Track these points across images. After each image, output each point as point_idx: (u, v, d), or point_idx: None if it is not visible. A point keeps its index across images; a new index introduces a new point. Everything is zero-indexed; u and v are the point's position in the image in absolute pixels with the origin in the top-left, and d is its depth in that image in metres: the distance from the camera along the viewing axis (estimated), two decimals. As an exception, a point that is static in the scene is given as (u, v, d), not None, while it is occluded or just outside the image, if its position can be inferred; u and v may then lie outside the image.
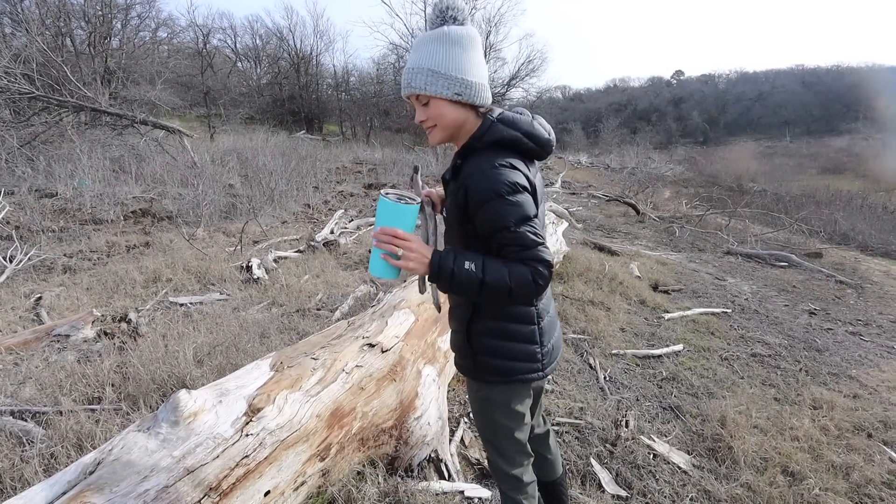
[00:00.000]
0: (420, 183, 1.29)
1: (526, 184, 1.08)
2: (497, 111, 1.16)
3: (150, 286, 4.18)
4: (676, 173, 24.69)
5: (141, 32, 20.90)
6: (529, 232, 1.04)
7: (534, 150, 1.16)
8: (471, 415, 1.44)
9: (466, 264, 1.03)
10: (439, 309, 1.35)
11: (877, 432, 2.53)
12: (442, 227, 1.27)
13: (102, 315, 3.44)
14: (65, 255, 4.98)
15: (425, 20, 21.87)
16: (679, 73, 76.62)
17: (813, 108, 57.15)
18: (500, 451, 1.32)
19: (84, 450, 1.94)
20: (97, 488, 1.17)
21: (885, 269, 7.52)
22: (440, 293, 1.26)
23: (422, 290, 1.31)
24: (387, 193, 1.10)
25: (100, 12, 16.79)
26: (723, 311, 4.41)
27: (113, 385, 2.48)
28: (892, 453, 2.34)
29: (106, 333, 3.19)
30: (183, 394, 1.41)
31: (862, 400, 2.90)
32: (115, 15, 17.89)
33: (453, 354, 1.36)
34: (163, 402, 1.62)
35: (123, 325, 3.31)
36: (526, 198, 1.07)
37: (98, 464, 1.24)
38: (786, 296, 5.27)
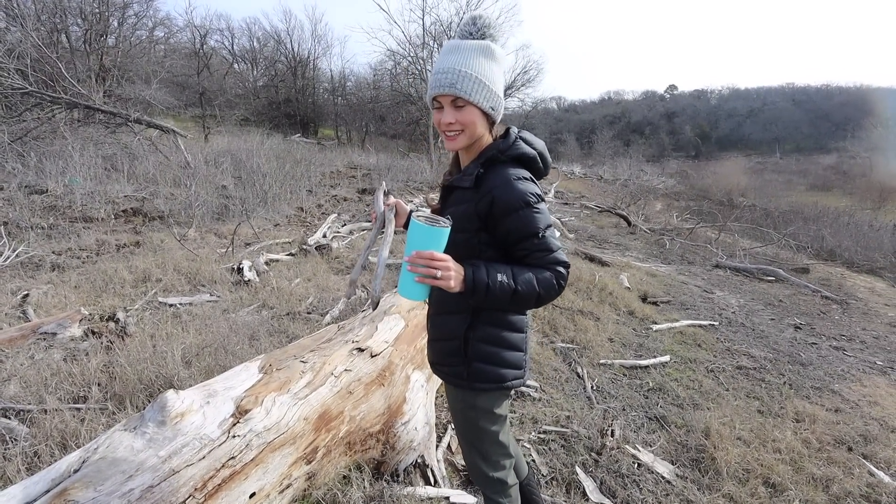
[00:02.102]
0: (381, 197, 1.36)
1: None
2: (516, 129, 1.23)
3: (139, 286, 4.15)
4: (668, 186, 24.96)
5: (138, 31, 20.77)
6: (551, 238, 1.14)
7: (541, 170, 1.24)
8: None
9: (499, 276, 1.08)
10: (376, 307, 1.38)
11: (857, 446, 2.58)
12: (391, 237, 1.32)
13: (90, 314, 3.41)
14: (53, 252, 4.93)
15: (423, 29, 22.01)
16: (672, 87, 77.73)
17: (802, 125, 58.21)
18: (483, 456, 1.34)
19: (68, 449, 1.92)
20: (81, 486, 1.17)
21: (870, 285, 7.65)
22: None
23: (349, 296, 1.37)
24: (418, 217, 1.10)
25: (96, 9, 16.70)
26: (710, 324, 4.47)
27: (99, 384, 2.46)
28: (872, 467, 2.38)
29: (93, 332, 3.16)
30: (171, 394, 1.41)
31: (843, 414, 2.95)
32: (112, 13, 17.79)
33: (432, 361, 1.37)
34: (150, 402, 1.62)
35: (111, 325, 3.28)
36: (545, 207, 1.17)
37: (83, 462, 1.24)
38: (772, 310, 5.35)
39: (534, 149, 1.21)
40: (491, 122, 1.20)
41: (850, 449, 2.55)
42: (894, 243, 10.54)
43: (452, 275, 1.06)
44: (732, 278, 6.82)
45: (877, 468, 2.37)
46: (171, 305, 3.75)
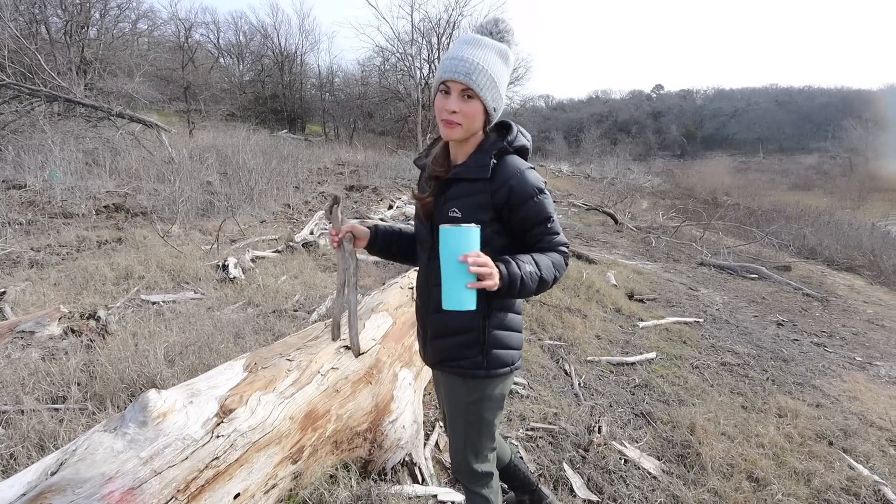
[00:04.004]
0: (340, 217, 1.35)
1: None
2: (510, 120, 1.27)
3: (121, 283, 4.07)
4: (654, 185, 25.23)
5: (120, 23, 20.37)
6: (557, 221, 1.23)
7: (528, 159, 1.29)
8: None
9: (528, 267, 1.11)
10: (358, 354, 1.38)
11: (837, 440, 2.63)
12: (356, 277, 1.35)
13: (70, 312, 3.33)
14: (32, 248, 4.81)
15: (412, 25, 21.92)
16: (659, 87, 78.52)
17: (785, 126, 59.27)
18: (476, 451, 1.35)
19: (46, 450, 1.87)
20: (59, 490, 1.13)
21: (850, 283, 7.82)
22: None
23: (335, 337, 1.38)
24: (447, 225, 1.05)
25: (77, 1, 16.34)
26: (695, 321, 4.52)
27: (79, 384, 2.40)
28: (851, 460, 2.43)
29: (73, 331, 3.09)
30: (152, 393, 1.38)
31: (824, 409, 3.00)
32: (93, 4, 17.40)
33: (437, 360, 1.34)
34: (131, 402, 1.58)
35: (92, 323, 3.21)
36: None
37: (61, 464, 1.20)
38: (755, 307, 5.43)
39: (528, 140, 1.27)
40: (487, 122, 1.21)
41: (830, 443, 2.60)
42: (873, 242, 10.80)
43: (495, 272, 1.05)
44: (717, 276, 6.92)
45: (856, 462, 2.42)
46: (153, 303, 3.69)
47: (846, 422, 2.83)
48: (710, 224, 11.05)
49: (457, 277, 1.04)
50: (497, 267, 1.07)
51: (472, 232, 1.04)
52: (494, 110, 1.18)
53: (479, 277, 1.02)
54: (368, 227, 1.42)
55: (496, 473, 1.43)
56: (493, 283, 1.04)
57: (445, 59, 1.15)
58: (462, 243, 1.03)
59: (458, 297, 1.04)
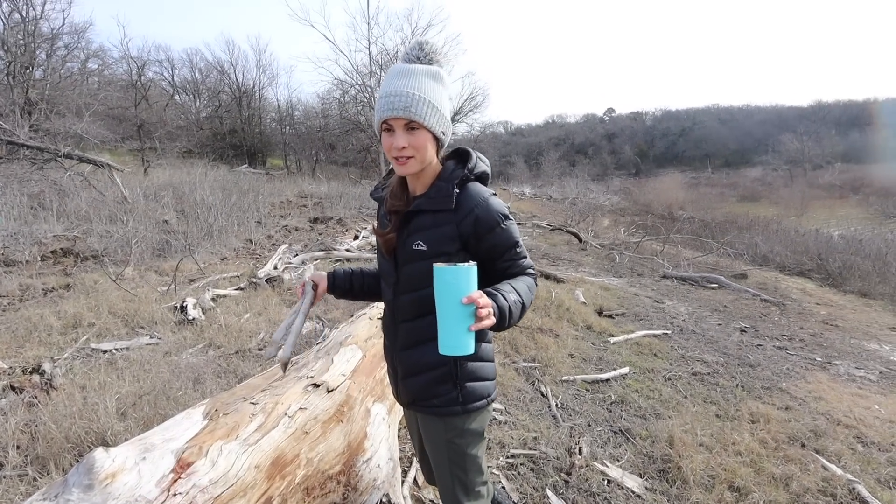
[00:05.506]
0: (306, 277, 1.43)
1: None
2: (467, 147, 1.25)
3: (68, 332, 3.81)
4: (613, 203, 26.07)
5: (68, 63, 19.84)
6: (522, 244, 1.22)
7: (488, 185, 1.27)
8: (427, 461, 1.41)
9: (512, 296, 1.07)
10: (285, 368, 1.39)
11: (809, 441, 2.68)
12: (308, 305, 1.37)
13: (10, 367, 3.08)
14: (-33, 301, 4.46)
15: (370, 58, 22.26)
16: (610, 110, 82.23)
17: (729, 142, 62.89)
18: (466, 489, 1.30)
19: (-23, 527, 1.68)
20: (-14, 574, 1.00)
21: (802, 287, 8.19)
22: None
23: (284, 369, 1.40)
24: (440, 263, 1.00)
25: (22, 41, 15.82)
26: (663, 333, 4.60)
27: (18, 447, 2.19)
28: (824, 461, 2.47)
29: (13, 388, 2.84)
30: (99, 452, 1.26)
31: (793, 411, 3.07)
32: (38, 44, 16.91)
33: (410, 399, 1.30)
34: (77, 463, 1.44)
35: (35, 378, 2.96)
36: None
37: (-11, 544, 1.07)
38: (719, 315, 5.59)
39: (487, 165, 1.25)
40: (439, 148, 1.19)
41: (803, 445, 2.64)
42: (818, 246, 11.41)
43: (493, 310, 0.99)
44: (680, 287, 7.11)
45: (829, 462, 2.46)
46: (105, 352, 3.45)
47: (815, 423, 2.90)
48: (668, 238, 11.44)
49: (457, 320, 0.97)
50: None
51: (472, 271, 0.98)
52: (443, 133, 1.15)
53: (478, 317, 0.96)
54: (326, 275, 1.46)
55: None
56: (492, 321, 0.98)
57: (380, 97, 1.12)
58: (462, 284, 0.97)
59: (459, 341, 0.98)
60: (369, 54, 22.19)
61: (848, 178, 37.14)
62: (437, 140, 1.15)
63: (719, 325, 5.17)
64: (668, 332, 4.66)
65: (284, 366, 1.32)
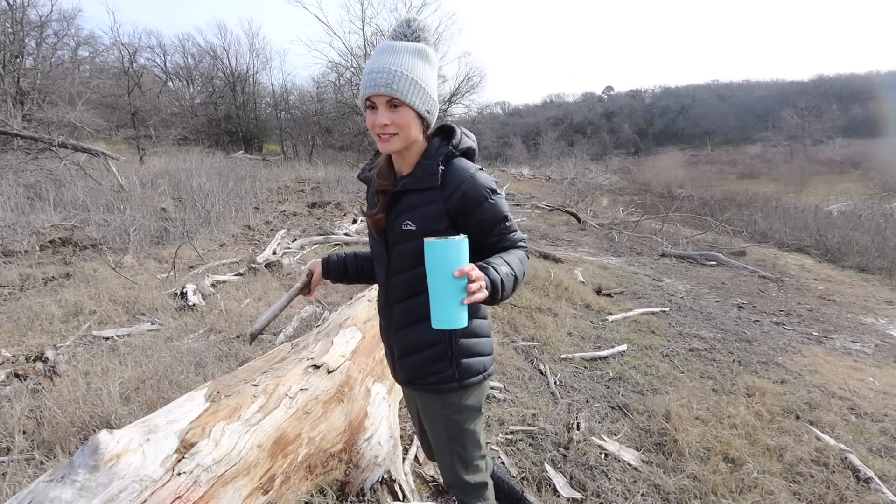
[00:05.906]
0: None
1: None
2: (452, 123, 1.23)
3: (70, 320, 3.83)
4: (612, 182, 25.96)
5: (59, 51, 19.55)
6: (512, 217, 1.21)
7: (476, 160, 1.26)
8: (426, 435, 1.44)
9: (504, 269, 1.06)
10: (251, 340, 1.42)
11: (803, 413, 2.72)
12: (296, 290, 1.44)
13: (14, 355, 3.11)
14: (-32, 292, 4.48)
15: (365, 39, 21.92)
16: (609, 88, 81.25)
17: (729, 118, 62.28)
18: (465, 463, 1.32)
19: (-12, 509, 1.72)
20: (-2, 551, 1.03)
21: (800, 263, 8.21)
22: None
23: (251, 342, 1.46)
24: (431, 238, 0.98)
25: (10, 30, 15.56)
26: (661, 310, 4.63)
27: (25, 432, 2.22)
28: (818, 432, 2.52)
29: (17, 375, 2.87)
30: (104, 434, 1.28)
31: (788, 384, 3.11)
32: (27, 33, 16.63)
33: (407, 378, 1.31)
34: (83, 445, 1.46)
35: (39, 365, 3.00)
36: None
37: (-1, 523, 1.09)
38: (716, 292, 5.62)
39: (473, 140, 1.25)
40: (425, 126, 1.17)
41: (797, 417, 2.69)
42: (817, 222, 11.39)
43: (485, 283, 0.99)
44: (678, 265, 7.13)
45: (822, 433, 2.51)
46: (106, 338, 3.48)
47: (810, 395, 2.94)
48: (667, 216, 11.42)
49: (449, 294, 0.96)
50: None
51: (463, 244, 0.97)
52: (428, 112, 1.13)
53: (470, 291, 0.96)
54: (321, 261, 1.49)
55: (490, 483, 1.40)
56: (484, 294, 0.97)
57: (365, 73, 1.11)
58: (453, 257, 0.95)
59: (451, 314, 0.97)
60: (363, 35, 21.91)
61: (848, 153, 36.82)
62: (421, 118, 1.14)
63: (717, 301, 5.20)
64: (666, 309, 4.69)
65: (252, 338, 1.34)
